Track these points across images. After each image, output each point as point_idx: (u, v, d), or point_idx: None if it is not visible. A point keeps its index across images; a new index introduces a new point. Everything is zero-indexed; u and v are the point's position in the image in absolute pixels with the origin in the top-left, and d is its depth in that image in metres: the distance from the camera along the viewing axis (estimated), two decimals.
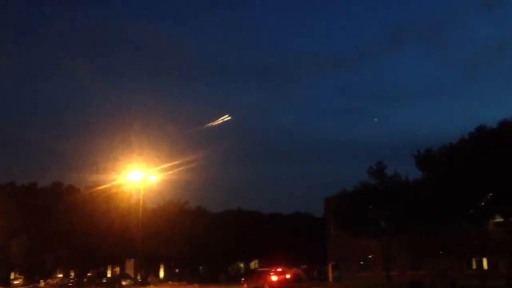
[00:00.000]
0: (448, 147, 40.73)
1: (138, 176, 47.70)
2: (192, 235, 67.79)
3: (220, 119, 52.84)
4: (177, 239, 66.77)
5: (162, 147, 55.36)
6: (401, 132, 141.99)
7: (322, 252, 69.62)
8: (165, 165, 48.43)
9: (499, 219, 42.19)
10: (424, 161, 42.16)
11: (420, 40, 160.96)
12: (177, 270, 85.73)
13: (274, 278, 50.14)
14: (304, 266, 72.32)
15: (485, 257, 43.90)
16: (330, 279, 67.03)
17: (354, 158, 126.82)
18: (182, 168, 49.45)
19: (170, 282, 70.14)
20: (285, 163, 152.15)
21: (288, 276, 52.20)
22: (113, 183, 55.69)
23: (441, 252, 52.96)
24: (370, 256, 60.91)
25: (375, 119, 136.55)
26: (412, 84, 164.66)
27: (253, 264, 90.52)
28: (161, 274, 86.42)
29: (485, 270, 43.66)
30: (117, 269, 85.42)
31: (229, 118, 53.04)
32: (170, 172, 49.20)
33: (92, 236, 63.94)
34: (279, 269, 52.21)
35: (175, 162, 49.56)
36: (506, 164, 32.94)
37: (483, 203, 39.51)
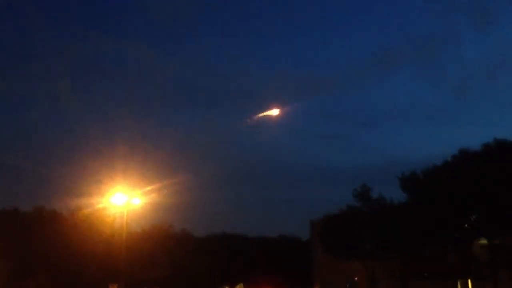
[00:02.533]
0: (431, 169, 41.00)
1: (121, 199, 47.15)
2: (177, 259, 67.09)
3: (268, 112, 53.54)
4: (161, 263, 65.97)
5: (146, 170, 55.05)
6: (387, 156, 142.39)
7: (307, 275, 69.37)
8: (149, 188, 48.05)
9: (483, 241, 42.34)
10: (408, 183, 42.37)
11: (408, 62, 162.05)
12: None
13: None
14: None
15: (470, 279, 43.90)
16: None
17: (340, 182, 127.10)
18: (166, 191, 49.11)
19: None
20: (270, 187, 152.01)
21: None
22: (97, 206, 55.05)
23: (425, 274, 53.05)
24: (355, 279, 60.74)
25: None
26: (398, 107, 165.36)
27: (238, 287, 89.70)
28: None
29: None
30: None
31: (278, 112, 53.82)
32: (154, 195, 48.80)
33: (74, 260, 62.85)
34: None
35: (159, 185, 49.25)
36: (489, 186, 33.18)
37: (467, 226, 39.66)
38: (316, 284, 67.68)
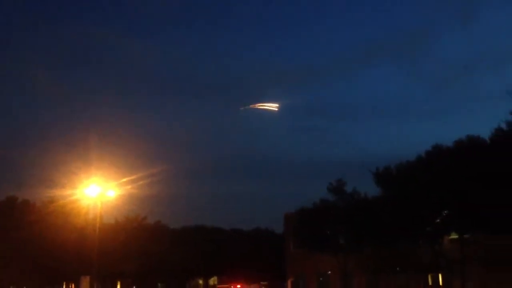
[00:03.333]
0: (405, 164, 41.46)
1: (95, 191, 46.68)
2: (151, 251, 66.70)
3: (268, 106, 53.70)
4: (134, 255, 65.52)
5: (121, 161, 54.58)
6: (364, 150, 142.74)
7: (282, 268, 69.64)
8: (124, 180, 47.62)
9: (454, 236, 43.02)
10: (382, 178, 42.80)
11: (388, 57, 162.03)
12: (134, 287, 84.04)
13: None
14: (264, 283, 72.18)
15: (440, 273, 44.61)
16: None
17: (316, 175, 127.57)
18: (141, 182, 48.73)
19: None
20: (246, 179, 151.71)
21: None
22: (70, 198, 54.34)
23: (397, 269, 53.71)
24: (329, 273, 61.22)
25: None
26: (377, 101, 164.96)
27: (212, 281, 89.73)
28: None
29: (440, 286, 44.36)
30: (72, 287, 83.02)
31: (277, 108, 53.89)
32: (129, 187, 48.40)
33: (46, 252, 62.06)
34: (238, 286, 51.97)
35: (134, 177, 48.83)
36: (460, 183, 33.69)
37: (438, 221, 40.24)
38: (289, 277, 68.01)
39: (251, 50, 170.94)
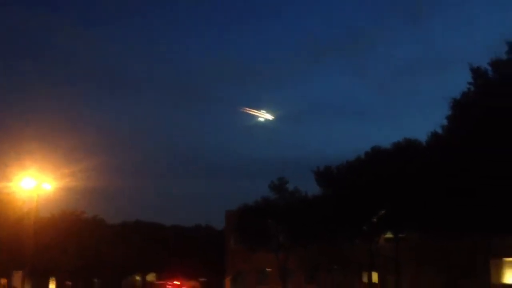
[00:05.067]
0: (345, 165, 42.50)
1: (31, 184, 45.19)
2: (87, 246, 65.27)
3: (260, 114, 53.50)
4: (70, 251, 63.94)
5: (58, 154, 52.99)
6: (306, 149, 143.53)
7: (221, 265, 69.74)
8: (61, 172, 46.34)
9: (389, 235, 44.46)
10: (323, 177, 43.67)
11: (336, 57, 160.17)
12: (70, 283, 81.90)
13: None
14: (203, 279, 72.05)
15: (375, 271, 46.00)
16: None
17: (258, 173, 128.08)
18: (79, 175, 47.60)
19: None
20: (188, 176, 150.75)
21: None
22: (4, 190, 52.35)
23: (335, 267, 54.99)
24: (268, 270, 61.84)
25: None
26: (323, 101, 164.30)
27: (151, 277, 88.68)
28: (52, 287, 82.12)
29: (375, 284, 45.74)
30: (4, 282, 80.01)
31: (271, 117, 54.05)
32: (66, 180, 47.16)
33: None
34: (177, 282, 51.72)
35: (72, 169, 47.66)
36: (397, 183, 34.87)
37: (375, 220, 41.48)
38: (228, 274, 68.21)
39: (196, 46, 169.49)
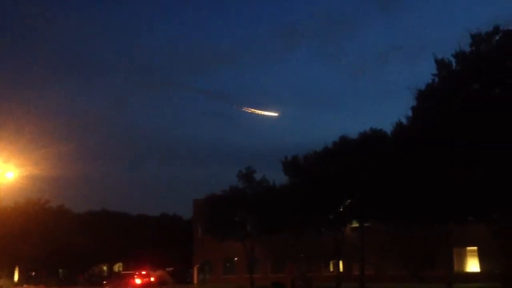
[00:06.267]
0: (312, 154, 42.68)
1: None
2: (52, 236, 64.25)
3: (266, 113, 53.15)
4: (35, 240, 62.80)
5: (21, 142, 51.74)
6: (276, 138, 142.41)
7: (189, 254, 69.67)
8: (24, 160, 45.40)
9: (355, 224, 45.02)
10: (290, 167, 43.80)
11: (308, 44, 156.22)
12: (33, 273, 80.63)
13: (137, 281, 49.25)
14: (171, 269, 71.77)
15: (341, 260, 46.61)
16: (195, 281, 67.25)
17: (226, 162, 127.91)
18: (43, 163, 46.73)
19: (25, 286, 65.74)
20: (154, 164, 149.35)
21: (152, 279, 51.55)
22: None
23: (302, 255, 55.54)
24: (235, 259, 62.05)
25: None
26: (294, 89, 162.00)
27: (117, 267, 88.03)
28: (16, 277, 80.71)
29: (341, 272, 46.35)
30: None
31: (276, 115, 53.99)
32: (30, 168, 46.23)
33: None
34: (143, 272, 51.41)
35: (36, 157, 46.79)
36: (362, 173, 35.23)
37: (341, 209, 41.90)
38: (196, 263, 68.19)
39: (162, 31, 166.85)
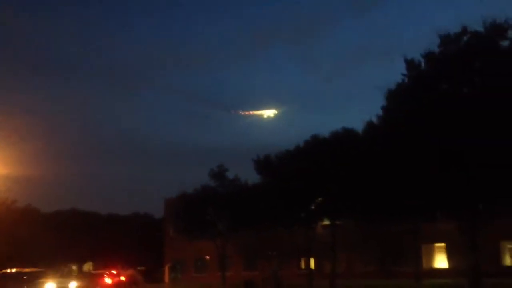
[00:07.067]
0: (284, 153, 42.82)
1: None
2: (20, 236, 63.04)
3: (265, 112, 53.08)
4: (1, 240, 61.52)
5: None
6: (248, 137, 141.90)
7: (160, 253, 69.26)
8: None
9: (326, 222, 45.36)
10: (262, 166, 43.87)
11: (283, 43, 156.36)
12: None
13: (108, 280, 48.78)
14: (142, 268, 71.28)
15: (312, 257, 46.92)
16: (167, 280, 66.90)
17: (198, 161, 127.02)
18: (10, 162, 45.84)
19: None
20: (125, 163, 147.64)
21: (123, 278, 51.11)
22: None
23: (273, 253, 55.73)
24: (207, 258, 61.92)
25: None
26: (265, 88, 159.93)
27: (87, 266, 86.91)
28: None
29: (312, 269, 46.69)
30: None
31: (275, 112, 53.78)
32: None
33: None
34: (114, 272, 50.91)
35: (4, 157, 45.90)
36: (334, 171, 35.53)
37: (313, 207, 42.17)
38: (168, 262, 67.83)
39: (132, 31, 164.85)
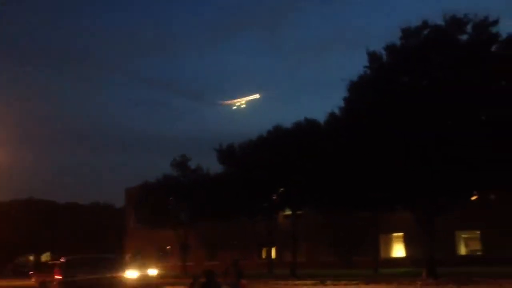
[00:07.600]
0: (247, 143, 42.83)
1: None
2: None
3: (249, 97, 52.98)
4: None
5: None
6: (210, 127, 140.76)
7: (121, 243, 68.51)
8: None
9: (288, 212, 45.67)
10: (225, 155, 43.79)
11: (250, 31, 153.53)
12: None
13: None
14: None
15: (273, 247, 47.22)
16: None
17: (160, 150, 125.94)
18: None
19: None
20: (85, 151, 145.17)
21: None
22: None
23: (235, 242, 55.83)
24: (168, 247, 61.55)
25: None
26: (231, 78, 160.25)
27: (45, 257, 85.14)
28: None
29: (273, 259, 47.00)
30: None
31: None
32: None
33: None
34: None
35: None
36: (296, 162, 35.75)
37: (275, 198, 42.39)
38: (128, 252, 67.09)
39: (97, 17, 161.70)
